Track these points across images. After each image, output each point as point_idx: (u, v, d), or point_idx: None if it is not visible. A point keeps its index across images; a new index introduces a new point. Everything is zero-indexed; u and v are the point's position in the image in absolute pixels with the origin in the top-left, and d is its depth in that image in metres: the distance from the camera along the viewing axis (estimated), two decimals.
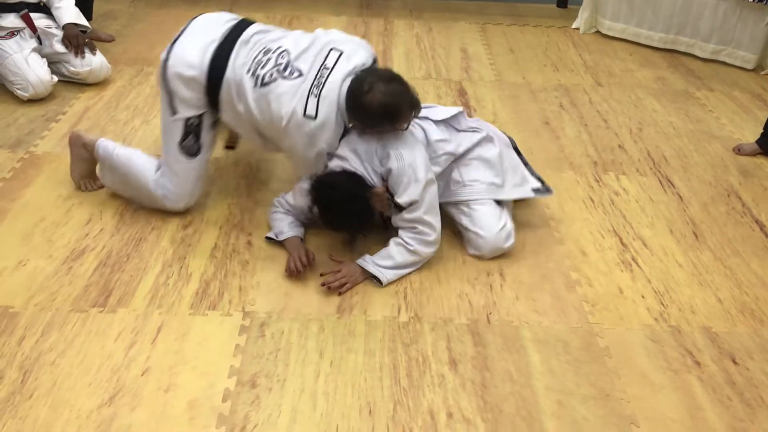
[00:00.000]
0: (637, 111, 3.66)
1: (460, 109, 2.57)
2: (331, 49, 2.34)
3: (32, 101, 3.38)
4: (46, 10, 3.53)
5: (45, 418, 1.83)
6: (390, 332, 2.15)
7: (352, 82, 2.27)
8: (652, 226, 2.73)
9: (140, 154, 2.58)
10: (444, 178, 2.48)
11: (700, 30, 4.31)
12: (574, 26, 4.77)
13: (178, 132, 2.45)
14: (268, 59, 2.33)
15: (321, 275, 2.31)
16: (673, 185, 3.01)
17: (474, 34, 4.61)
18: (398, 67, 4.01)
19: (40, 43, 3.46)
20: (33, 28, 3.43)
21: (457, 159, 2.49)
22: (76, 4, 3.57)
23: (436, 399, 1.94)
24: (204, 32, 2.42)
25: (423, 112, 2.45)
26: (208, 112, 2.45)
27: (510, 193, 2.55)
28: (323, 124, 2.26)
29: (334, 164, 2.31)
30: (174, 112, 2.42)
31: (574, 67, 4.18)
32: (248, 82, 2.32)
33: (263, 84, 2.29)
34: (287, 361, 2.04)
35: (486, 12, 4.99)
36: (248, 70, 2.32)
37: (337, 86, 2.27)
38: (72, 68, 3.53)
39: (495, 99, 3.70)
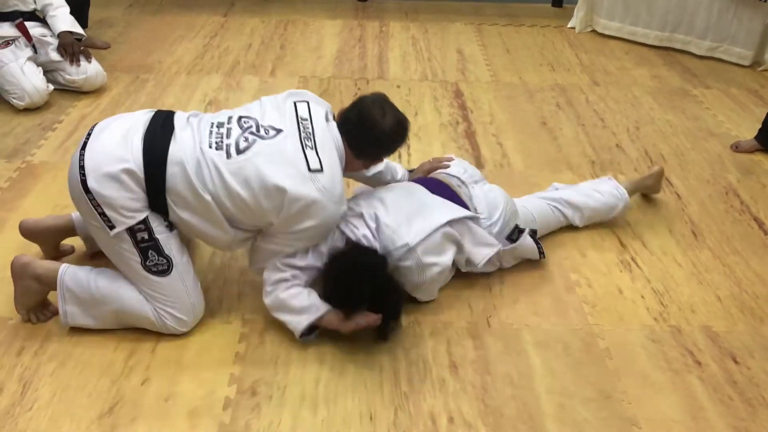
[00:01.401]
0: (633, 110, 3.66)
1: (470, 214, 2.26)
2: (294, 102, 2.10)
3: (28, 110, 3.38)
4: (41, 19, 3.53)
5: (45, 430, 1.82)
6: (390, 337, 2.15)
7: (353, 118, 2.09)
8: (651, 226, 2.72)
9: (127, 283, 2.06)
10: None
11: (695, 27, 4.31)
12: (569, 25, 4.77)
13: (131, 252, 1.98)
14: (229, 129, 2.01)
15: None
16: (671, 184, 3.01)
17: (470, 35, 4.61)
18: (394, 70, 4.02)
19: (35, 51, 3.46)
20: (28, 36, 3.43)
21: None
22: (71, 12, 3.57)
23: (437, 403, 1.94)
24: (115, 126, 2.02)
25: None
26: (151, 215, 1.98)
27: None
28: (332, 173, 1.99)
29: (360, 234, 2.11)
30: (111, 226, 1.94)
31: (570, 66, 4.18)
32: (217, 157, 1.94)
33: (240, 151, 1.95)
34: (287, 368, 2.03)
35: (481, 13, 4.99)
36: (210, 145, 1.96)
37: (326, 132, 2.05)
38: (68, 76, 3.53)
39: (491, 100, 3.70)
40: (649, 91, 3.88)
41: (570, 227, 2.65)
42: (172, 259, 2.02)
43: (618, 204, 2.63)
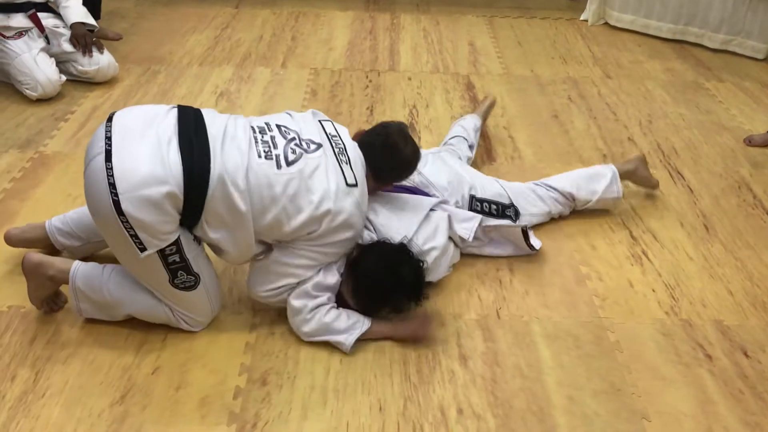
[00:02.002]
0: (646, 103, 3.64)
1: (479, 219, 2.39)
2: (320, 121, 2.15)
3: (41, 101, 3.40)
4: (54, 10, 3.54)
5: (58, 417, 1.84)
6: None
7: (378, 142, 2.15)
8: (662, 219, 2.71)
9: (140, 288, 2.02)
10: None
11: (709, 20, 4.28)
12: (582, 18, 4.75)
13: (159, 272, 1.92)
14: (273, 137, 1.98)
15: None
16: (683, 177, 2.99)
17: (481, 27, 4.59)
18: (405, 62, 4.01)
19: (48, 42, 3.48)
20: (41, 27, 3.44)
21: None
22: (84, 3, 3.59)
23: (447, 395, 1.94)
24: (141, 133, 1.85)
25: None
26: (182, 232, 1.90)
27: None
28: (363, 188, 2.05)
29: (367, 238, 2.15)
30: (143, 248, 1.83)
31: (582, 59, 4.16)
32: (267, 167, 1.89)
33: (289, 163, 1.93)
34: (297, 358, 2.04)
35: (493, 5, 4.96)
36: (259, 155, 1.90)
37: (356, 150, 2.11)
38: (80, 67, 3.54)
39: (503, 92, 3.69)
40: (662, 84, 3.86)
41: (582, 216, 2.64)
42: (200, 275, 1.99)
43: (606, 172, 2.66)
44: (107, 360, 2.01)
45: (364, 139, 2.18)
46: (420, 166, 2.44)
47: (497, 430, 1.84)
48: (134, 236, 1.81)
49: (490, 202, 2.47)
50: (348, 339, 2.03)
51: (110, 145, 1.81)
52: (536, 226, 2.59)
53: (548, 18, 4.77)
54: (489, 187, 2.52)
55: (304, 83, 3.70)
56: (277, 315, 2.18)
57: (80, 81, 3.57)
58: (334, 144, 2.06)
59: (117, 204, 1.76)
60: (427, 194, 2.42)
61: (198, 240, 1.98)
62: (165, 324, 2.09)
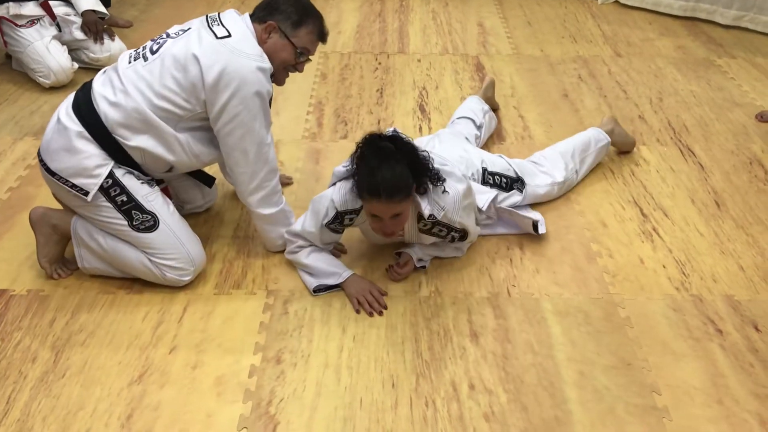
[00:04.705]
0: (657, 81, 3.62)
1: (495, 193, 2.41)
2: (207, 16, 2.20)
3: (54, 88, 3.43)
4: None
5: (78, 396, 1.88)
6: (411, 307, 2.18)
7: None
8: (673, 196, 2.71)
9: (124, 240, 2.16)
10: None
11: None
12: None
13: (117, 217, 2.09)
14: (144, 47, 2.13)
15: (394, 269, 2.27)
16: (694, 154, 2.98)
17: (491, 7, 4.57)
18: (415, 44, 4.01)
19: (59, 30, 3.51)
20: (52, 15, 3.47)
21: None
22: None
23: (458, 371, 1.97)
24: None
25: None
26: (119, 169, 2.08)
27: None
28: (241, 36, 2.05)
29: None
30: (85, 192, 2.05)
31: (592, 38, 4.14)
32: (136, 65, 2.07)
33: (154, 52, 2.07)
34: (311, 337, 2.07)
35: None
36: (128, 62, 2.09)
37: (234, 14, 2.14)
38: (92, 55, 3.57)
39: (513, 72, 3.68)
40: (673, 61, 3.84)
41: (592, 194, 2.65)
42: (156, 213, 2.12)
43: (589, 131, 2.83)
44: (125, 340, 2.05)
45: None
46: (429, 148, 2.46)
47: (508, 405, 1.87)
48: (72, 186, 2.06)
49: (500, 175, 2.50)
50: (313, 284, 2.20)
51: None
52: (547, 204, 2.61)
53: None
54: (497, 162, 2.55)
55: (313, 67, 3.70)
56: (290, 294, 2.21)
57: (92, 68, 3.60)
58: (210, 21, 2.11)
59: (47, 168, 2.08)
60: None
61: (151, 183, 2.15)
62: (159, 282, 2.18)
